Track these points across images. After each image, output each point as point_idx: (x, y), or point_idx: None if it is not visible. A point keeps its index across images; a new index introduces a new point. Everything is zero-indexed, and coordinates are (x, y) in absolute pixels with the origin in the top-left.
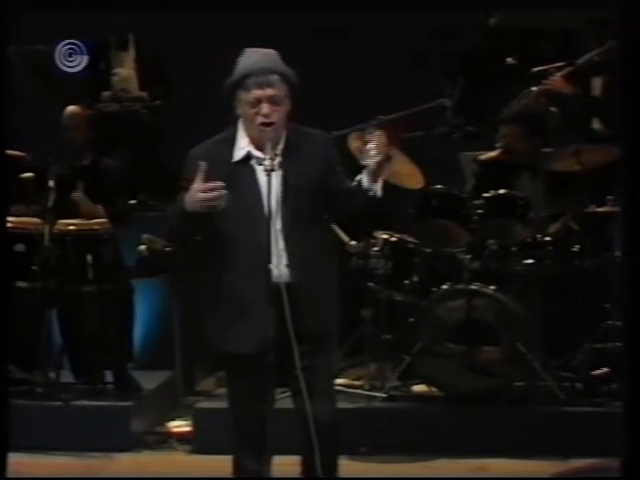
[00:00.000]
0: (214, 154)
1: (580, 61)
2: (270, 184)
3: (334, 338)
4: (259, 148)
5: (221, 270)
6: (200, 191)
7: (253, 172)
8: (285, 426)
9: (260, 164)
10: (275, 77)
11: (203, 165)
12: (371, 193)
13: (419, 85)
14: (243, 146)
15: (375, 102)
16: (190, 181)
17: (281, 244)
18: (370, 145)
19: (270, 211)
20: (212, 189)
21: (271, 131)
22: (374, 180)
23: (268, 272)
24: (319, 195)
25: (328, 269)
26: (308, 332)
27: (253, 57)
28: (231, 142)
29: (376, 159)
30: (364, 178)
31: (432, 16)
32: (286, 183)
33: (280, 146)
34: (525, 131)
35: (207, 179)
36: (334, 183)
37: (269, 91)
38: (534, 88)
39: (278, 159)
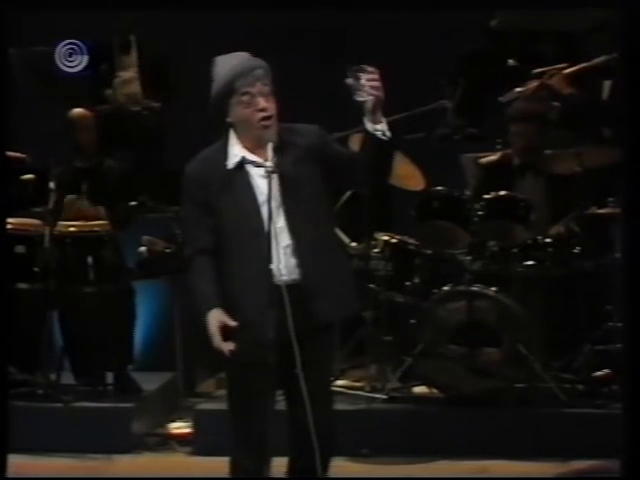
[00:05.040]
0: (208, 167)
1: (584, 65)
2: (270, 185)
3: (335, 333)
4: (254, 152)
5: (223, 278)
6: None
7: (248, 176)
8: (284, 428)
9: (258, 166)
10: (260, 71)
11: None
12: (379, 133)
13: (420, 86)
14: (237, 153)
15: None
16: (189, 200)
17: (284, 243)
18: (363, 81)
19: (270, 212)
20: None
21: (272, 125)
22: (376, 120)
23: (269, 275)
24: (319, 187)
25: (338, 259)
26: (316, 326)
27: (232, 60)
28: (223, 151)
29: (371, 97)
30: (366, 123)
31: (433, 17)
32: (284, 181)
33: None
34: (533, 128)
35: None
36: (334, 157)
37: (259, 86)
38: (534, 83)
39: (274, 159)
